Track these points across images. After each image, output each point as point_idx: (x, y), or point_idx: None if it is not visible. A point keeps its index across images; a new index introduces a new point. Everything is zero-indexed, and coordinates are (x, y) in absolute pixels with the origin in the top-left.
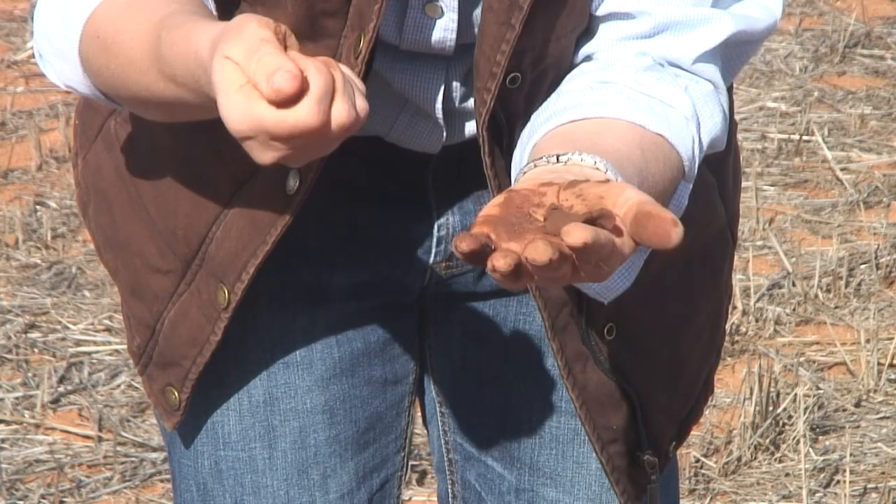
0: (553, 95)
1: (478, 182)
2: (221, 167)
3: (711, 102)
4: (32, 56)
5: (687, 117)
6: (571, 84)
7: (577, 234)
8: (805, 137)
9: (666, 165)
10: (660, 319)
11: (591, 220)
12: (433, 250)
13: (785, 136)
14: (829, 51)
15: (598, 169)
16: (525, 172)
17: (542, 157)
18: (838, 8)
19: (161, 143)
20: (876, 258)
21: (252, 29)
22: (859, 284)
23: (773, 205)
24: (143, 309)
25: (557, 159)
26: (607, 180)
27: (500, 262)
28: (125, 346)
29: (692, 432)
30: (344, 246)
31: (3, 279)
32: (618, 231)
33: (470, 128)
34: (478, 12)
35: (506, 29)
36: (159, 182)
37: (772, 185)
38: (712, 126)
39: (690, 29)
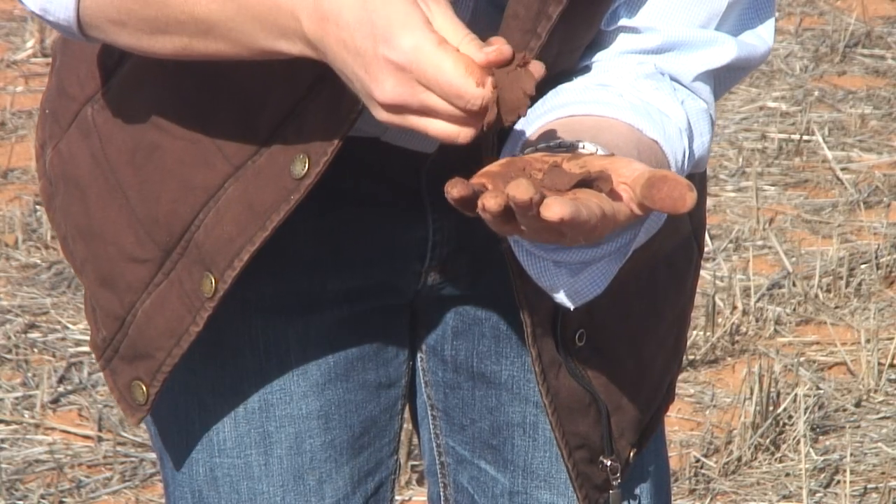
0: (550, 92)
1: None
2: (216, 150)
3: (703, 120)
4: (33, 56)
5: (681, 129)
6: (566, 84)
7: (554, 209)
8: (805, 137)
9: (651, 166)
10: (626, 326)
11: (588, 180)
12: (428, 255)
13: (785, 136)
14: (829, 50)
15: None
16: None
17: (542, 143)
18: (838, 8)
19: (147, 127)
20: (876, 258)
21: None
22: (859, 284)
23: (773, 205)
24: (114, 300)
25: (559, 146)
26: (612, 154)
27: (490, 202)
28: None
29: (692, 432)
30: (338, 252)
31: (3, 279)
32: (615, 195)
33: None
34: (487, 8)
35: (530, 37)
36: (143, 167)
37: (772, 185)
38: (700, 144)
39: (695, 49)
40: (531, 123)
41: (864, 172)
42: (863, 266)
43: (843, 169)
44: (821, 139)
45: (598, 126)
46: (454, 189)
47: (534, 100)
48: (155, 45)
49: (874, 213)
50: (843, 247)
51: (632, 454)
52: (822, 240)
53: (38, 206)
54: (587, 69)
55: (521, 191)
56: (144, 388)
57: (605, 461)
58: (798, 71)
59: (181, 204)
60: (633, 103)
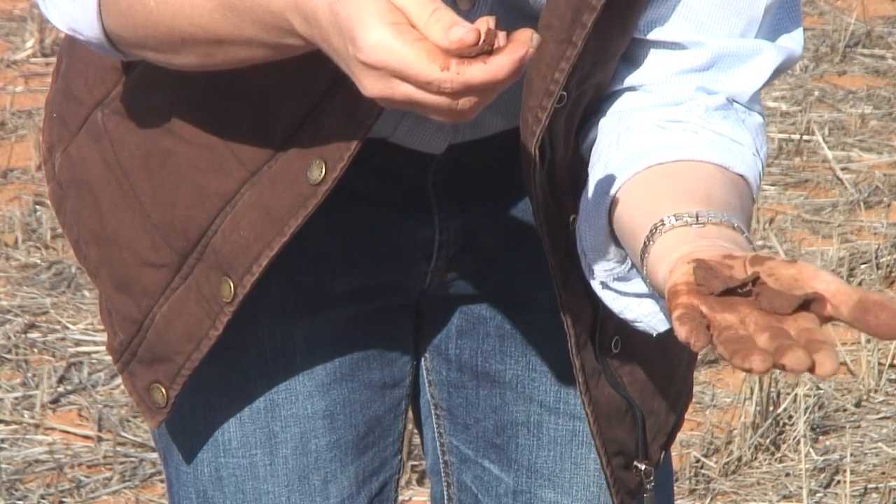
0: (622, 132)
1: (478, 187)
2: (231, 156)
3: (762, 135)
4: (32, 56)
5: (753, 153)
6: (636, 121)
7: (829, 367)
8: (805, 137)
9: (747, 206)
10: None
11: (805, 303)
12: (434, 255)
13: (785, 136)
14: (829, 50)
15: (735, 229)
16: (663, 233)
17: (684, 216)
18: (839, 7)
19: (160, 132)
20: (876, 258)
21: None
22: (859, 284)
23: (773, 204)
24: (130, 304)
25: (697, 219)
26: (794, 261)
27: (759, 366)
28: None
29: (692, 432)
30: (345, 252)
31: (3, 279)
32: (828, 319)
33: (473, 129)
34: (505, 16)
35: (566, 46)
36: (157, 173)
37: (772, 185)
38: (762, 158)
39: (743, 61)
40: (616, 171)
41: (864, 172)
42: (863, 266)
43: (843, 169)
44: (821, 139)
45: (701, 178)
46: (699, 342)
47: (576, 122)
48: (183, 60)
49: (874, 213)
50: (843, 247)
51: (661, 456)
52: (822, 240)
53: (37, 206)
54: (637, 89)
55: (798, 363)
56: (164, 391)
57: (639, 465)
58: (798, 71)
59: (197, 209)
60: (712, 140)
